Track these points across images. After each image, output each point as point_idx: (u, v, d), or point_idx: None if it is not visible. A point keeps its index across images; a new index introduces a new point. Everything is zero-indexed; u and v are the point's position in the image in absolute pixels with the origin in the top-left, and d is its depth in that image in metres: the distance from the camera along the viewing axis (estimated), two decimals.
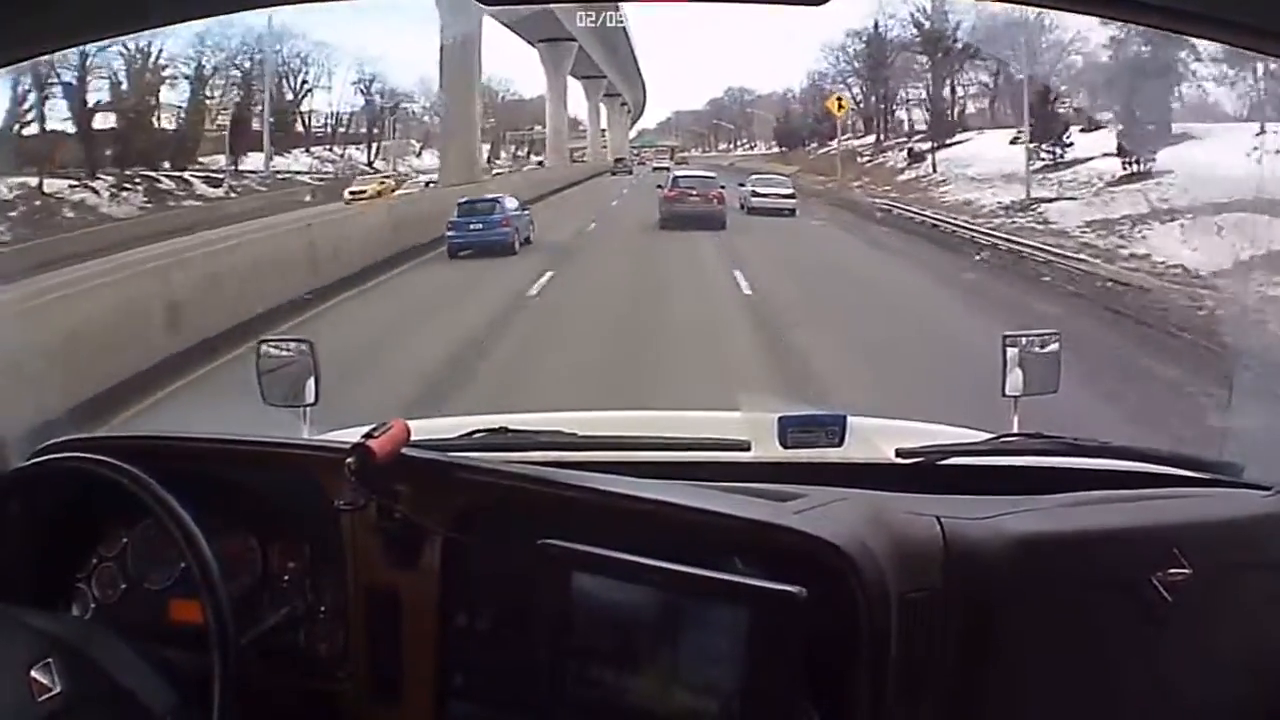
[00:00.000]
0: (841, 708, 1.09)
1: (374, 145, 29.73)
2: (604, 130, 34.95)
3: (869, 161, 27.08)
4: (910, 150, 25.34)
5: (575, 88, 31.73)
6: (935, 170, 23.32)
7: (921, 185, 22.97)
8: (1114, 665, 1.21)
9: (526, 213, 14.64)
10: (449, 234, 13.29)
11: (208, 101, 25.57)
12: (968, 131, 24.41)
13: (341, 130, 29.88)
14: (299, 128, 28.83)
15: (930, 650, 1.13)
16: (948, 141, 23.96)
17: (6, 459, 1.40)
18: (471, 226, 13.26)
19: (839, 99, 27.07)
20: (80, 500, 1.39)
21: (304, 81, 28.66)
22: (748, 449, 1.52)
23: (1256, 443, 1.62)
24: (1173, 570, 1.21)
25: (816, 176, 27.49)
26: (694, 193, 16.35)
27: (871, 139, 28.18)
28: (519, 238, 13.56)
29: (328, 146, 29.66)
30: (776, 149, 32.72)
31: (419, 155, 29.95)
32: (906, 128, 27.52)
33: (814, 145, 30.86)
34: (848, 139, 28.23)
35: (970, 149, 23.22)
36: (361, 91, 29.68)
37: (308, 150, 28.62)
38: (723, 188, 16.97)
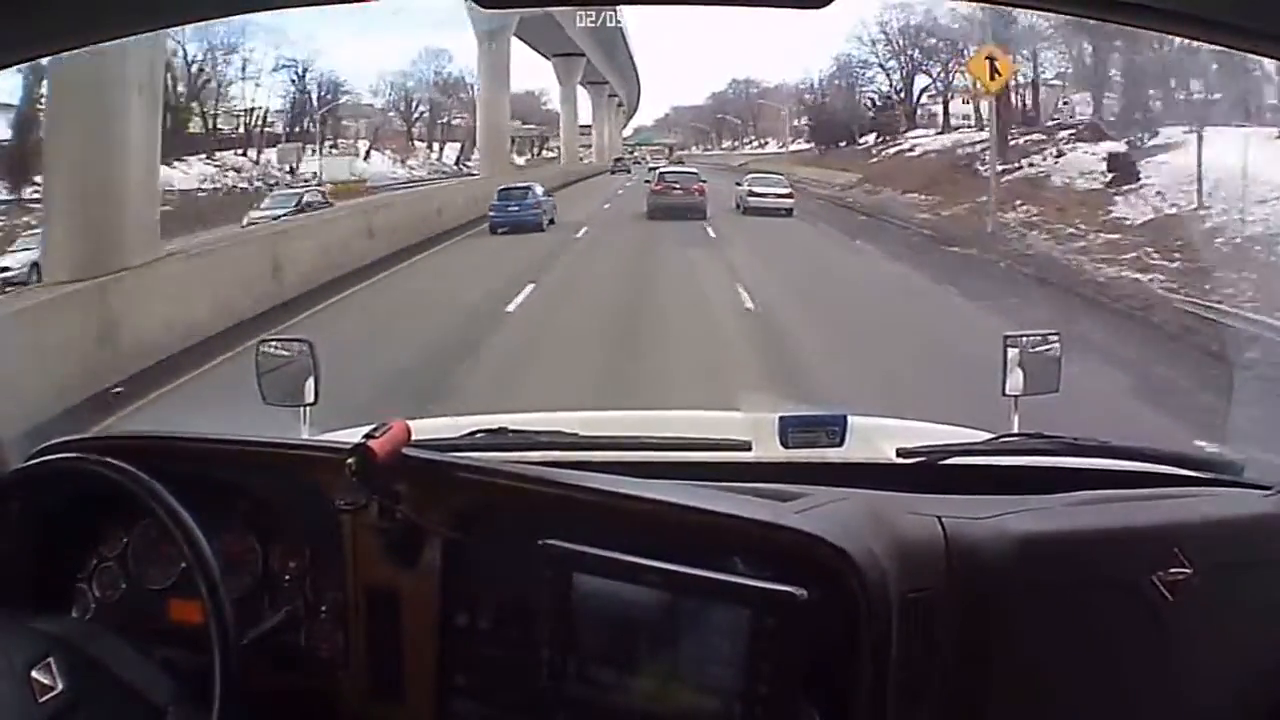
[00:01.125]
0: (842, 708, 1.09)
1: (301, 148, 23.78)
2: (587, 126, 29.60)
3: (1004, 173, 16.07)
4: (1112, 158, 14.84)
5: (549, 70, 26.54)
6: (1203, 202, 12.21)
7: (1215, 240, 11.42)
8: (1115, 665, 1.21)
9: (551, 198, 18.24)
10: (491, 214, 16.76)
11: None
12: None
13: (257, 130, 23.33)
14: (197, 128, 22.40)
15: (931, 650, 1.12)
16: (1145, 144, 14.74)
17: (6, 459, 1.39)
18: (509, 208, 16.85)
19: (990, 59, 15.62)
20: (80, 500, 1.39)
21: (202, 70, 22.38)
22: (749, 449, 1.52)
23: (1256, 443, 1.62)
24: (1174, 570, 1.21)
25: (910, 195, 17.95)
26: (678, 186, 18.79)
27: (974, 136, 18.91)
28: (546, 218, 17.20)
29: (240, 150, 22.98)
30: (809, 147, 26.16)
31: (365, 157, 25.67)
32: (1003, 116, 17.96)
33: (877, 141, 22.61)
34: (922, 136, 19.43)
35: (1202, 160, 12.73)
36: (292, 81, 23.71)
37: (209, 156, 21.99)
38: (704, 181, 19.22)
